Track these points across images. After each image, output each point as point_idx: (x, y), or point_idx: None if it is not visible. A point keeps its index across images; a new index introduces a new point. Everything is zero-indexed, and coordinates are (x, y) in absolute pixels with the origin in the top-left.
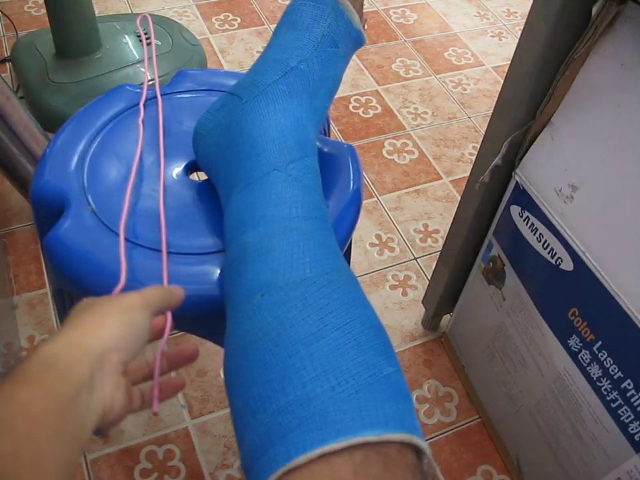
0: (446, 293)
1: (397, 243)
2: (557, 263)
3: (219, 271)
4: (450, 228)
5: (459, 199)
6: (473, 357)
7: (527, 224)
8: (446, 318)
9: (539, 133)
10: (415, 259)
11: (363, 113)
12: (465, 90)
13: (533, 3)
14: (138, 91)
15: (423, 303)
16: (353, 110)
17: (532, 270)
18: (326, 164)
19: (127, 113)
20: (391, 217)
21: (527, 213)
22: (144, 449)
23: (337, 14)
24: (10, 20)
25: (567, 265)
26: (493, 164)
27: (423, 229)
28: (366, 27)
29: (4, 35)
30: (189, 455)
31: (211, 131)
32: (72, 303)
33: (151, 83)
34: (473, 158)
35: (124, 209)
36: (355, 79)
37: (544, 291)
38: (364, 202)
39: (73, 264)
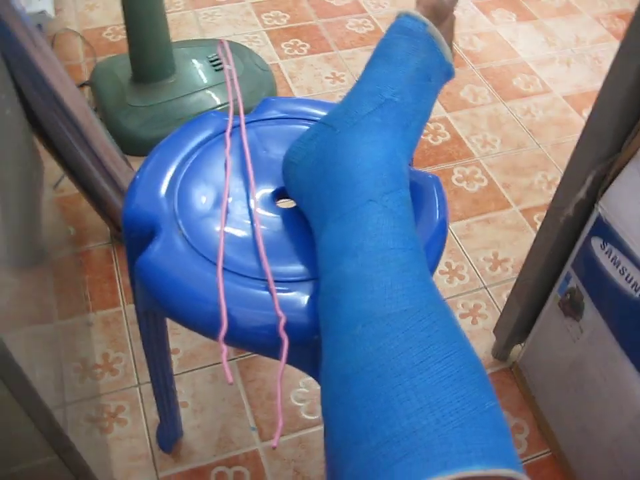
0: (518, 323)
1: (467, 271)
2: None
3: (307, 299)
4: (526, 258)
5: (529, 227)
6: (544, 389)
7: (609, 257)
8: (516, 348)
9: (624, 166)
10: (485, 287)
11: (432, 139)
12: (534, 117)
13: (625, 35)
14: (226, 119)
15: (494, 332)
16: (422, 136)
17: (613, 303)
18: (411, 194)
19: (215, 140)
20: (461, 245)
21: (609, 246)
22: (214, 470)
23: (430, 48)
24: (90, 46)
25: None
26: (577, 197)
27: (492, 258)
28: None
29: (83, 61)
30: (258, 478)
31: (303, 160)
32: (156, 325)
33: (229, 104)
34: (542, 187)
35: (220, 245)
36: None
37: (626, 326)
38: None
39: (164, 288)
